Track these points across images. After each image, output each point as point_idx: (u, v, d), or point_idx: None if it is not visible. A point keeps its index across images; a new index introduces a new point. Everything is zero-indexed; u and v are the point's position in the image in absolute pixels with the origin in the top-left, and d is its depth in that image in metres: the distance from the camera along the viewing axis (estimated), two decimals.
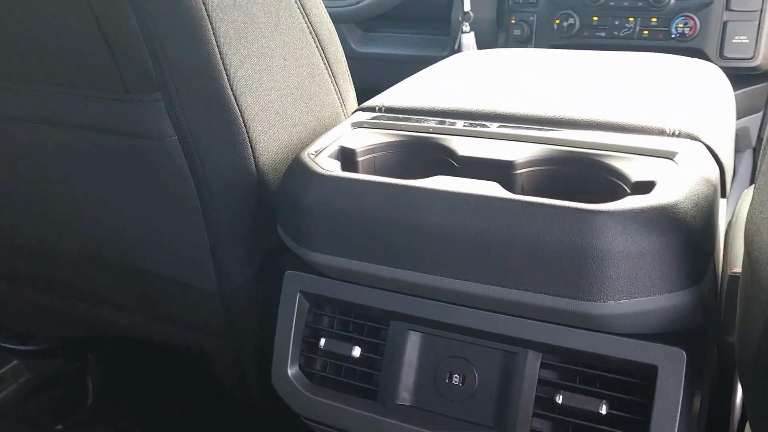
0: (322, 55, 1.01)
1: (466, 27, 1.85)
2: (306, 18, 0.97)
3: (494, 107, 0.93)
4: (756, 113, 1.84)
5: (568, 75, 1.05)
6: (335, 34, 1.05)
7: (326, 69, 1.03)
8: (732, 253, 1.04)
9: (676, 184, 0.71)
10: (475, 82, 1.06)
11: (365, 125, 0.94)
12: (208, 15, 0.82)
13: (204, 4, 0.82)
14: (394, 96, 1.03)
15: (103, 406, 1.57)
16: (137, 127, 0.92)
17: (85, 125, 0.96)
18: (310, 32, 0.98)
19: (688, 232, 0.67)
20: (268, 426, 1.46)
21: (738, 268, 0.93)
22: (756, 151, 1.91)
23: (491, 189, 0.73)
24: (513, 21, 1.86)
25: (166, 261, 1.04)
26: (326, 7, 1.02)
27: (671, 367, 0.72)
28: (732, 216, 1.28)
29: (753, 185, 1.46)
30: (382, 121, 0.94)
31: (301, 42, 0.97)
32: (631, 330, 0.72)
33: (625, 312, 0.68)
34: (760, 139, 1.87)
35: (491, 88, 1.02)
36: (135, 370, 1.67)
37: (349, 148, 0.87)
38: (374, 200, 0.75)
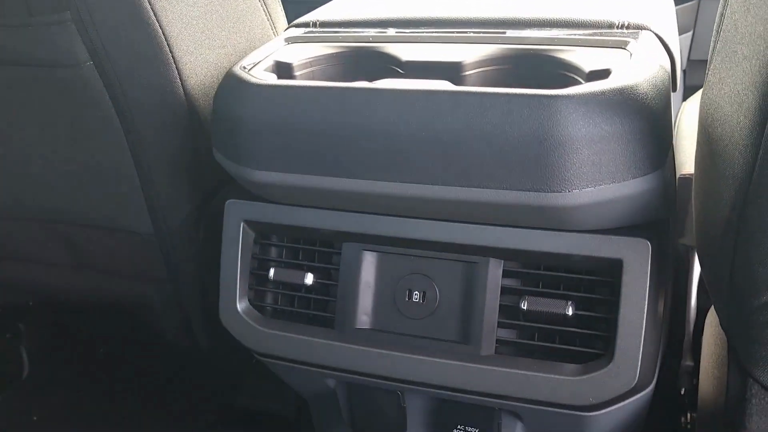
0: None
1: None
2: None
3: (436, 13, 0.88)
4: (686, 33, 1.84)
5: None
6: None
7: None
8: (677, 160, 1.03)
9: (632, 69, 0.68)
10: None
11: (300, 40, 0.87)
12: None
13: None
14: (328, 11, 0.96)
15: (40, 377, 1.48)
16: (47, 54, 0.83)
17: None
18: None
19: (649, 114, 0.65)
20: (218, 375, 1.41)
21: (686, 170, 0.92)
22: (686, 73, 1.93)
23: (443, 85, 0.68)
24: None
25: (94, 205, 0.96)
26: None
27: (636, 259, 0.69)
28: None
29: (690, 98, 1.46)
30: (318, 35, 0.88)
31: None
32: (595, 224, 0.70)
33: (590, 201, 0.65)
34: (690, 60, 1.88)
35: None
36: (71, 335, 1.58)
37: (285, 62, 0.81)
38: (317, 106, 0.70)
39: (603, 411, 0.75)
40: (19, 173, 0.97)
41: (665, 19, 0.89)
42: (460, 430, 0.85)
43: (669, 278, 0.79)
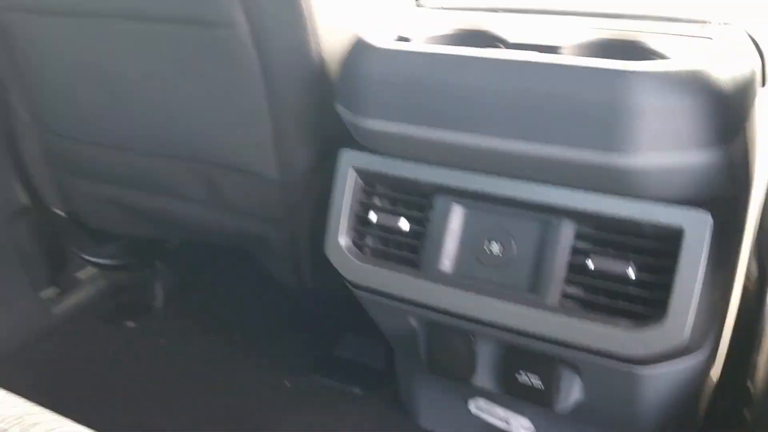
0: None
1: None
2: None
3: (543, 5, 0.98)
4: None
5: None
6: None
7: None
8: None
9: (708, 55, 0.76)
10: None
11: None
12: None
13: None
14: None
15: (170, 309, 1.70)
16: (209, 14, 1.00)
17: (160, 17, 1.05)
18: None
19: (720, 95, 0.72)
20: (319, 327, 1.56)
21: None
22: None
23: (536, 56, 0.79)
24: None
25: (231, 149, 1.13)
26: None
27: (696, 229, 0.76)
28: None
29: None
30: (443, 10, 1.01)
31: None
32: (659, 190, 0.77)
33: (653, 165, 0.73)
34: None
35: None
36: (198, 275, 1.80)
37: (405, 38, 0.94)
38: (427, 66, 0.83)
39: (655, 366, 0.82)
40: (170, 119, 1.15)
41: (757, 17, 0.95)
42: (523, 374, 0.94)
43: (734, 255, 0.84)
